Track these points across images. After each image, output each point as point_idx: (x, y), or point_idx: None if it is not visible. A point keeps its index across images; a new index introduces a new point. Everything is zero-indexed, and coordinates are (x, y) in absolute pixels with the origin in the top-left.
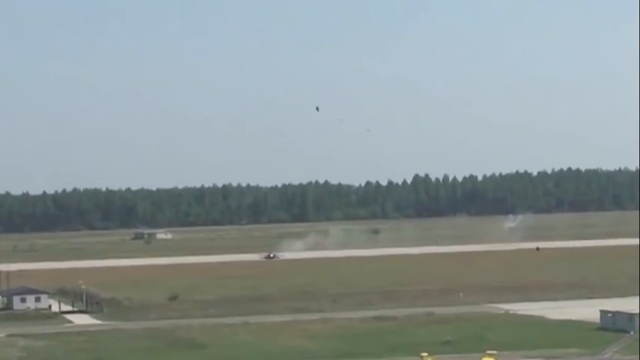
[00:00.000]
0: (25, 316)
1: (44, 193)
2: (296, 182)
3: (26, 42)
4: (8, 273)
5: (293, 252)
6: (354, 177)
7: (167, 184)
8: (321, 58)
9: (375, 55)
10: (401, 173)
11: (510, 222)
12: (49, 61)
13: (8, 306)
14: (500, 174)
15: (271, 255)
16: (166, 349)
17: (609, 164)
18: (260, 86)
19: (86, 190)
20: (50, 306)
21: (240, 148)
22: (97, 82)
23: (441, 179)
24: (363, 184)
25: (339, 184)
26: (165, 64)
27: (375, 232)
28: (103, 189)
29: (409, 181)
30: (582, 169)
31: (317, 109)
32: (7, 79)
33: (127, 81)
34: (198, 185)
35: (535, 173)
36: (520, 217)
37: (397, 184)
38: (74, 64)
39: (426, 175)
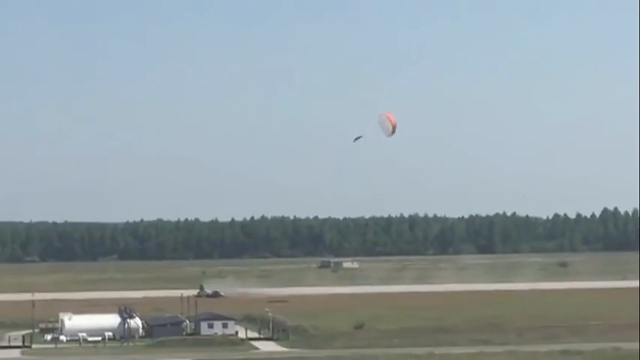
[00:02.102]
0: (212, 342)
1: (233, 220)
2: (483, 214)
3: None
4: (196, 299)
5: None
6: (542, 209)
7: (354, 213)
8: None
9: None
10: (589, 206)
11: None
12: None
13: (196, 331)
14: None
15: (206, 291)
16: None
17: None
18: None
19: (274, 218)
20: (237, 332)
21: (427, 179)
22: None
23: (630, 213)
24: (550, 217)
25: (527, 216)
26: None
27: (563, 265)
28: (291, 217)
29: (598, 214)
30: None
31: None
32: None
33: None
34: (385, 215)
35: None
36: None
37: (585, 217)
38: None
39: (615, 209)
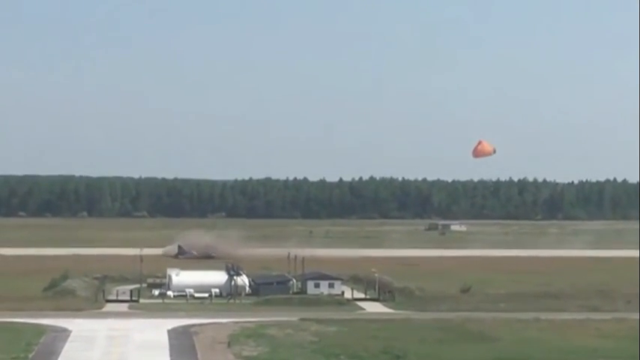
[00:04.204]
0: (318, 302)
1: (341, 180)
2: (593, 179)
3: None
4: (303, 258)
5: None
6: None
7: (462, 176)
8: None
9: None
10: None
11: None
12: None
13: (302, 290)
14: None
15: (192, 252)
16: (456, 340)
17: None
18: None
19: (382, 179)
20: (343, 292)
21: (538, 143)
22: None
23: None
24: None
25: (638, 183)
26: None
27: None
28: (399, 178)
29: None
30: None
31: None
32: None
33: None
34: (494, 179)
35: None
36: None
37: None
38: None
39: None
